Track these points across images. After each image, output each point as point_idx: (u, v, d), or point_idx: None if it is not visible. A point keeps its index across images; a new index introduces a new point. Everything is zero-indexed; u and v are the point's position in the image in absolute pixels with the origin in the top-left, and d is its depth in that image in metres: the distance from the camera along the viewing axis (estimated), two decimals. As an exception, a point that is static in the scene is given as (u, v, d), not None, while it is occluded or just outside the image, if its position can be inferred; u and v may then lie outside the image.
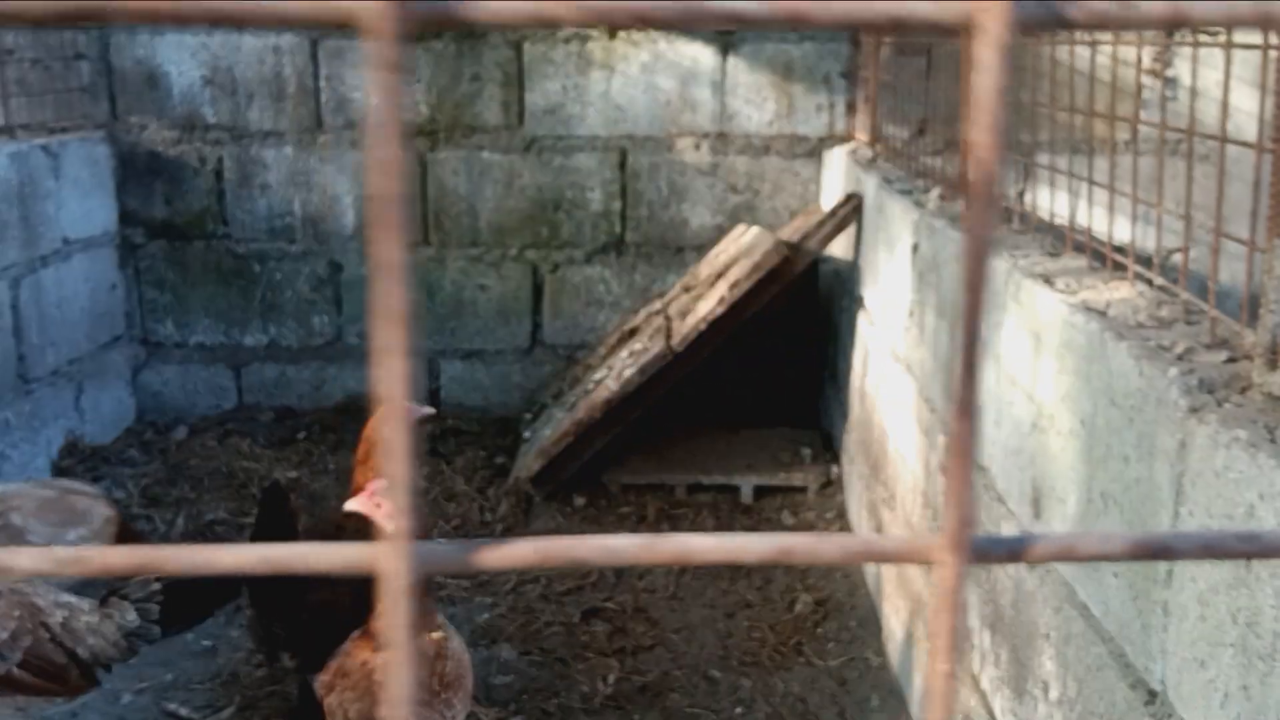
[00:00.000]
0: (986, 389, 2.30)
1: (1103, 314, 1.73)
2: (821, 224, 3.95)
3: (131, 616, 2.44)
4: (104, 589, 2.56)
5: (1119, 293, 1.84)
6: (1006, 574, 2.17)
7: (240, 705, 3.09)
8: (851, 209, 3.95)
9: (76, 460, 4.51)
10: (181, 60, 4.96)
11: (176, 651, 3.30)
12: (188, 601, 2.57)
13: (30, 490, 2.92)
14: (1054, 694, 1.92)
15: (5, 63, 4.52)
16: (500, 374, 5.31)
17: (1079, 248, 2.17)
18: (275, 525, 2.64)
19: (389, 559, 0.49)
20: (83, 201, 4.74)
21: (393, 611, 0.48)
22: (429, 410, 2.93)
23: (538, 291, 5.24)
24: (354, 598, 2.74)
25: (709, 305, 3.92)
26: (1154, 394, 1.42)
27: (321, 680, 2.27)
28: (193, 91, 4.99)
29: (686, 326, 3.96)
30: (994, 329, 2.23)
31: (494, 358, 5.28)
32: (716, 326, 3.93)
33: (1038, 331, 1.94)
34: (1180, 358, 1.46)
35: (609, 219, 5.15)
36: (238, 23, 0.42)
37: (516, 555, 0.50)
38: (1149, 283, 1.90)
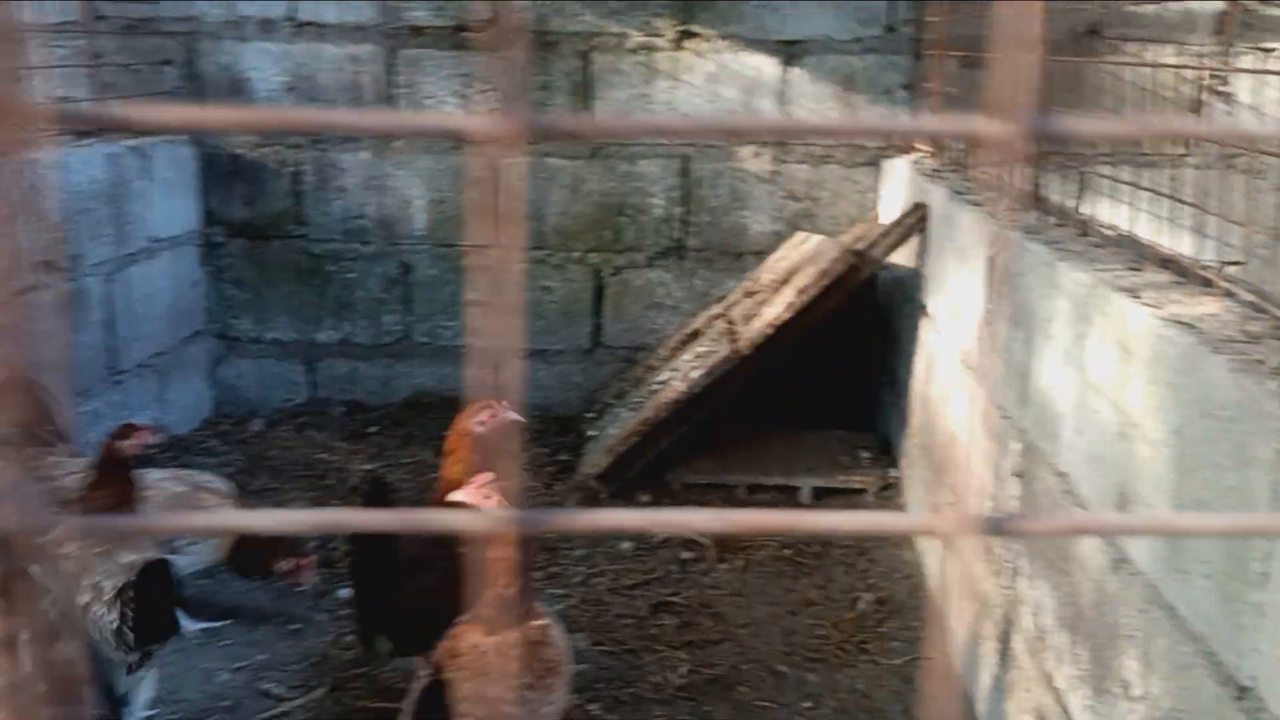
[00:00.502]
0: (1069, 398, 2.40)
1: (1193, 328, 1.82)
2: (887, 233, 4.05)
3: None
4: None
5: (1206, 307, 1.94)
6: (1088, 577, 2.26)
7: (331, 686, 3.24)
8: (917, 219, 4.04)
9: (160, 450, 4.68)
10: (265, 67, 5.14)
11: (268, 633, 3.45)
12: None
13: (165, 483, 3.08)
14: (1136, 691, 2.02)
15: (99, 67, 4.71)
16: (561, 373, 5.44)
17: (1163, 263, 2.27)
18: (369, 533, 2.76)
19: (511, 521, 0.61)
20: (169, 201, 4.93)
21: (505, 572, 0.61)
22: (520, 417, 3.06)
23: (599, 294, 5.37)
24: (450, 586, 2.87)
25: (775, 310, 4.03)
26: (1252, 406, 1.52)
27: (431, 663, 2.40)
28: (274, 97, 5.17)
29: (753, 330, 4.07)
30: (1078, 339, 2.33)
31: (555, 357, 5.42)
32: (782, 331, 4.04)
33: (1126, 344, 2.04)
34: (1275, 371, 1.56)
35: (670, 224, 5.28)
36: (390, 135, 0.54)
37: (626, 519, 0.63)
38: (1231, 296, 2.00)
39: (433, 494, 3.02)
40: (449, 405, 5.41)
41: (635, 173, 5.22)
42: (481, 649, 2.32)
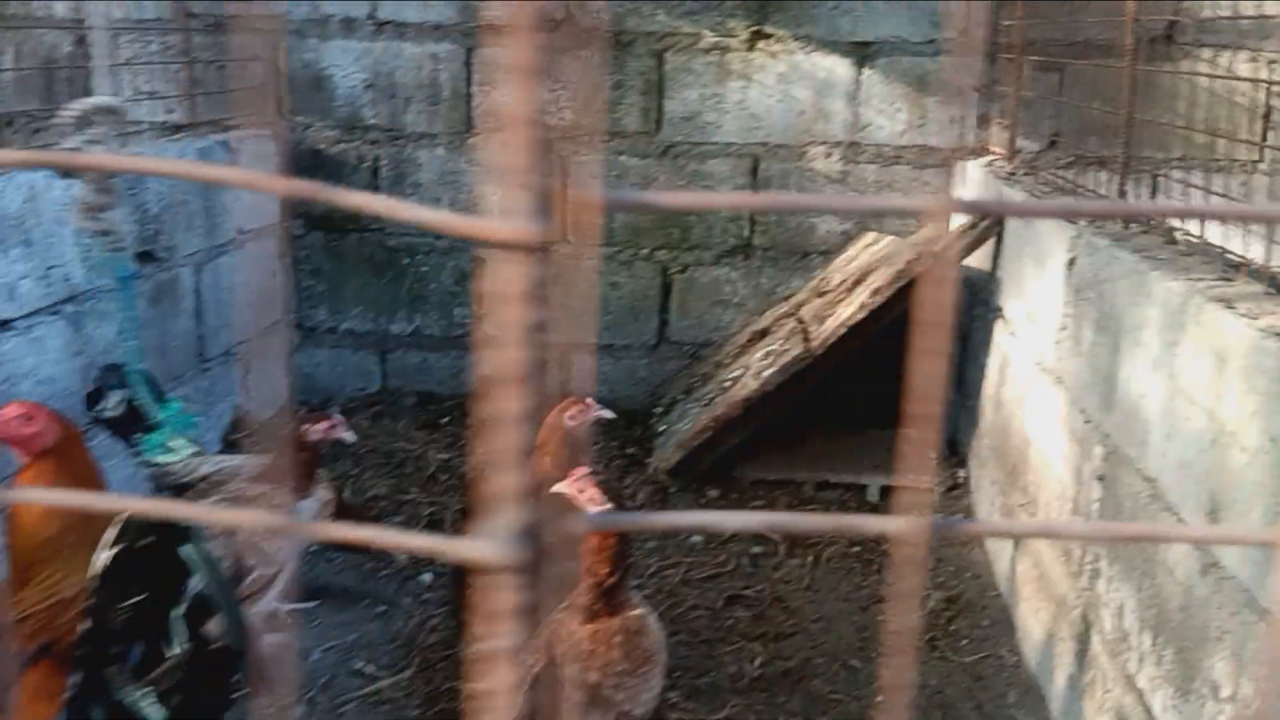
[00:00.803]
0: (1158, 404, 2.45)
1: (1293, 340, 1.87)
2: (962, 235, 4.09)
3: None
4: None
5: (1305, 320, 1.98)
6: (1175, 580, 2.31)
7: (420, 666, 3.35)
8: (992, 222, 4.08)
9: (244, 434, 4.83)
10: (346, 64, 5.26)
11: (356, 614, 3.58)
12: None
13: (258, 468, 3.21)
14: (1225, 693, 2.07)
15: (191, 63, 4.86)
16: (627, 368, 5.53)
17: (1255, 274, 2.30)
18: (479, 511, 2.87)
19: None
20: (253, 194, 5.06)
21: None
22: (608, 413, 3.14)
23: (666, 290, 5.45)
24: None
25: (849, 310, 4.09)
26: (1361, 418, 1.56)
27: (531, 649, 2.49)
28: (355, 94, 5.29)
29: (825, 330, 4.13)
30: (1169, 347, 2.38)
31: (622, 352, 5.50)
32: (855, 331, 4.09)
33: (1221, 353, 2.09)
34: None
35: (738, 223, 5.34)
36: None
37: (750, 521, 0.70)
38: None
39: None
40: (518, 397, 5.55)
41: (704, 172, 5.28)
42: (581, 636, 2.41)
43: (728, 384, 4.40)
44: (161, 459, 3.03)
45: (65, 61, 5.25)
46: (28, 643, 2.13)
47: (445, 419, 5.28)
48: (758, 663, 3.46)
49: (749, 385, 4.20)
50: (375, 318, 5.57)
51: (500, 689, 0.46)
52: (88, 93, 5.21)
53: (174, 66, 5.12)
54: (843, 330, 4.04)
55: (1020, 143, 4.79)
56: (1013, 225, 4.05)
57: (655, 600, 3.78)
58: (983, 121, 5.11)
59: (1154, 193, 3.99)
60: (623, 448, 5.00)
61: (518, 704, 0.48)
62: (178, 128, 5.07)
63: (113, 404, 3.26)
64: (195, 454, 3.10)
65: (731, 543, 4.14)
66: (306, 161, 5.36)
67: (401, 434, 4.96)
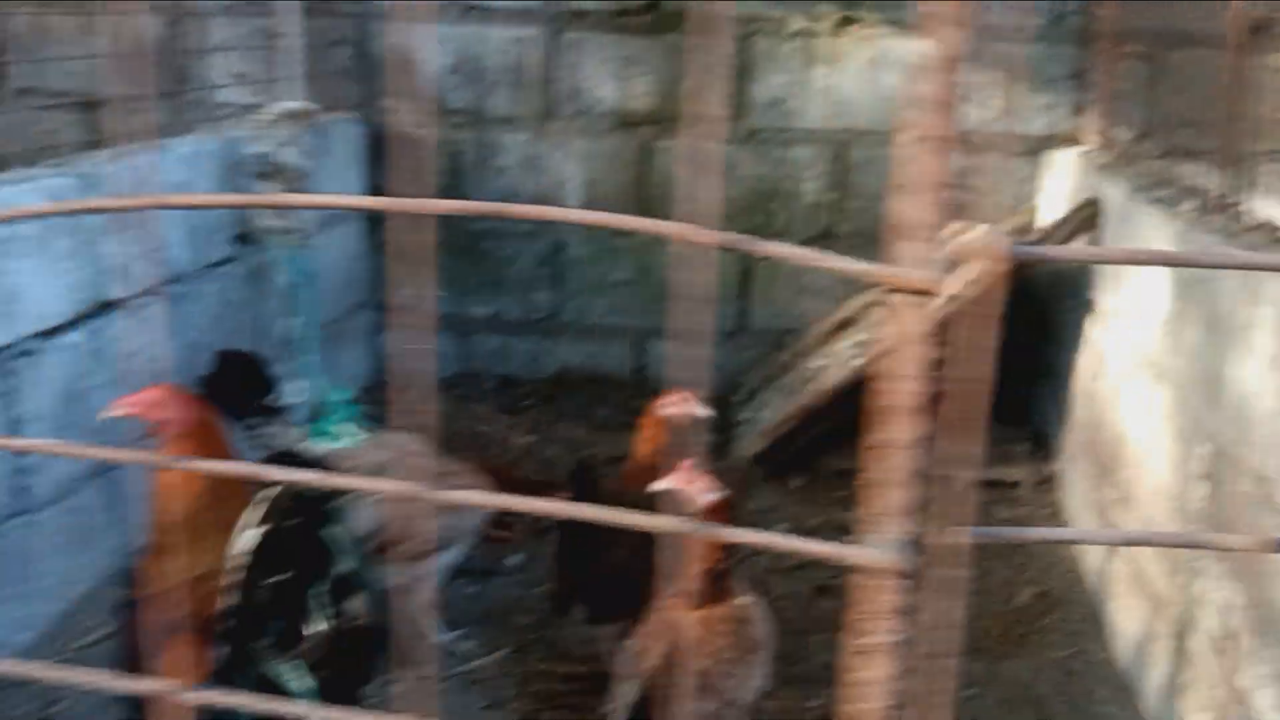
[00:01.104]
0: (1271, 404, 2.41)
1: None
2: (1058, 227, 4.04)
3: None
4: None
5: None
6: (1296, 583, 2.28)
7: (515, 646, 3.40)
8: (1089, 214, 4.02)
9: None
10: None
11: (449, 594, 3.63)
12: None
13: (369, 451, 3.29)
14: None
15: (282, 48, 4.92)
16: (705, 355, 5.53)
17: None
18: (588, 499, 2.91)
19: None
20: (341, 176, 5.14)
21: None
22: (706, 410, 3.16)
23: (746, 277, 5.44)
24: (643, 561, 3.00)
25: (939, 301, 4.05)
26: None
27: (640, 633, 2.52)
28: (440, 78, 5.33)
29: (917, 321, 4.10)
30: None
31: (700, 338, 5.50)
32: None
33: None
34: None
35: (822, 210, 5.32)
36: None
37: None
38: None
39: (626, 470, 3.14)
40: (595, 382, 5.58)
41: (789, 158, 5.27)
42: (689, 623, 2.43)
43: (813, 374, 4.39)
44: (330, 445, 3.12)
45: (160, 45, 5.34)
46: (168, 615, 2.19)
47: (525, 402, 5.33)
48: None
49: (836, 376, 4.19)
50: (455, 300, 5.62)
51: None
52: (182, 76, 5.31)
53: (264, 50, 5.19)
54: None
55: (1113, 133, 4.72)
56: (1111, 218, 3.99)
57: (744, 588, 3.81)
58: (1075, 110, 5.04)
59: (1253, 186, 3.92)
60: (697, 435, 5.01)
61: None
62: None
63: (289, 392, 3.40)
64: (361, 440, 3.19)
65: (816, 533, 4.14)
66: (390, 145, 5.42)
67: (484, 417, 5.01)
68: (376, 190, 5.47)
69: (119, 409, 2.30)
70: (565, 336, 5.60)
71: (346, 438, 3.17)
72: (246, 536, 1.98)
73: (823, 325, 4.97)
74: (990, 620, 3.71)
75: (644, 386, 5.52)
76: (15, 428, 3.13)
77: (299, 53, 3.99)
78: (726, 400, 5.20)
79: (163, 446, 2.30)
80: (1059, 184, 4.77)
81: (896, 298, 0.48)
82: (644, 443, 3.10)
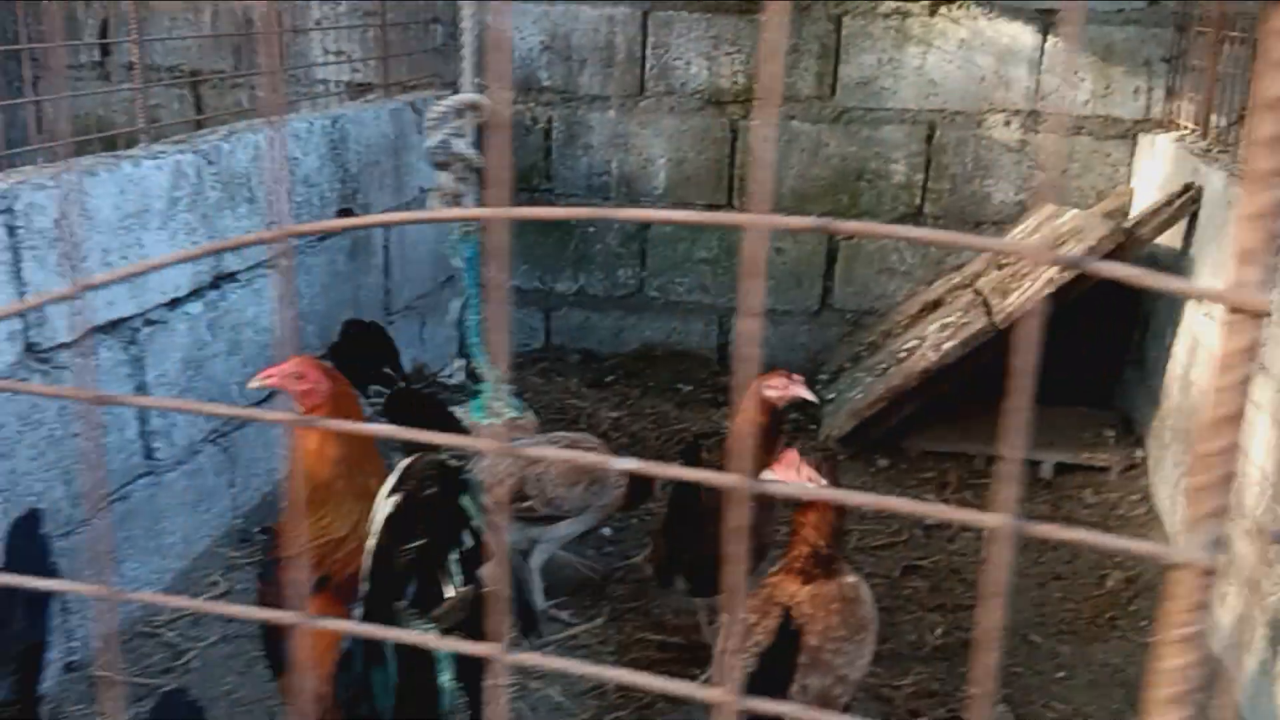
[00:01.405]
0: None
1: None
2: (1156, 212, 4.02)
3: None
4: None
5: None
6: None
7: (610, 615, 3.50)
8: (1189, 199, 3.99)
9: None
10: (524, 26, 5.37)
11: (545, 566, 3.73)
12: None
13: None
14: None
15: (380, 27, 5.03)
16: (787, 334, 5.58)
17: None
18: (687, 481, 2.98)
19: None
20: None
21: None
22: (810, 395, 3.23)
23: (831, 257, 5.46)
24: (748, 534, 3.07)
25: (1037, 285, 4.06)
26: None
27: (749, 607, 2.60)
28: (531, 56, 5.41)
29: (1010, 304, 4.11)
30: None
31: (782, 318, 5.55)
32: (1041, 306, 4.06)
33: None
34: None
35: (909, 190, 5.32)
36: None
37: None
38: None
39: (722, 447, 3.21)
40: (678, 358, 5.65)
41: (877, 138, 5.27)
42: (798, 599, 2.50)
43: (902, 355, 4.42)
44: (487, 421, 3.26)
45: (259, 23, 5.47)
46: (306, 578, 2.31)
47: (610, 377, 5.42)
48: (938, 632, 3.52)
49: (927, 357, 4.21)
50: (541, 276, 5.72)
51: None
52: (280, 53, 5.44)
53: (360, 27, 5.30)
54: (1029, 305, 4.02)
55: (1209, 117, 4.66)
56: (1209, 203, 3.95)
57: (833, 565, 3.87)
58: (1170, 94, 4.98)
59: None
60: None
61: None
62: (363, 88, 5.26)
63: (453, 370, 3.56)
64: (517, 417, 3.32)
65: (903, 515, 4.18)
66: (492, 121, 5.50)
67: (572, 391, 5.10)
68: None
69: (263, 380, 2.41)
70: (648, 313, 5.67)
71: (502, 414, 3.30)
72: (385, 503, 2.08)
73: (909, 306, 4.99)
74: (1080, 604, 3.73)
75: (727, 363, 5.60)
76: (142, 392, 3.28)
77: (471, 45, 4.13)
78: (810, 380, 5.24)
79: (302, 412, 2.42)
80: (1154, 168, 4.72)
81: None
82: (743, 420, 3.16)
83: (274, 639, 2.34)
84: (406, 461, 2.12)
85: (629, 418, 4.90)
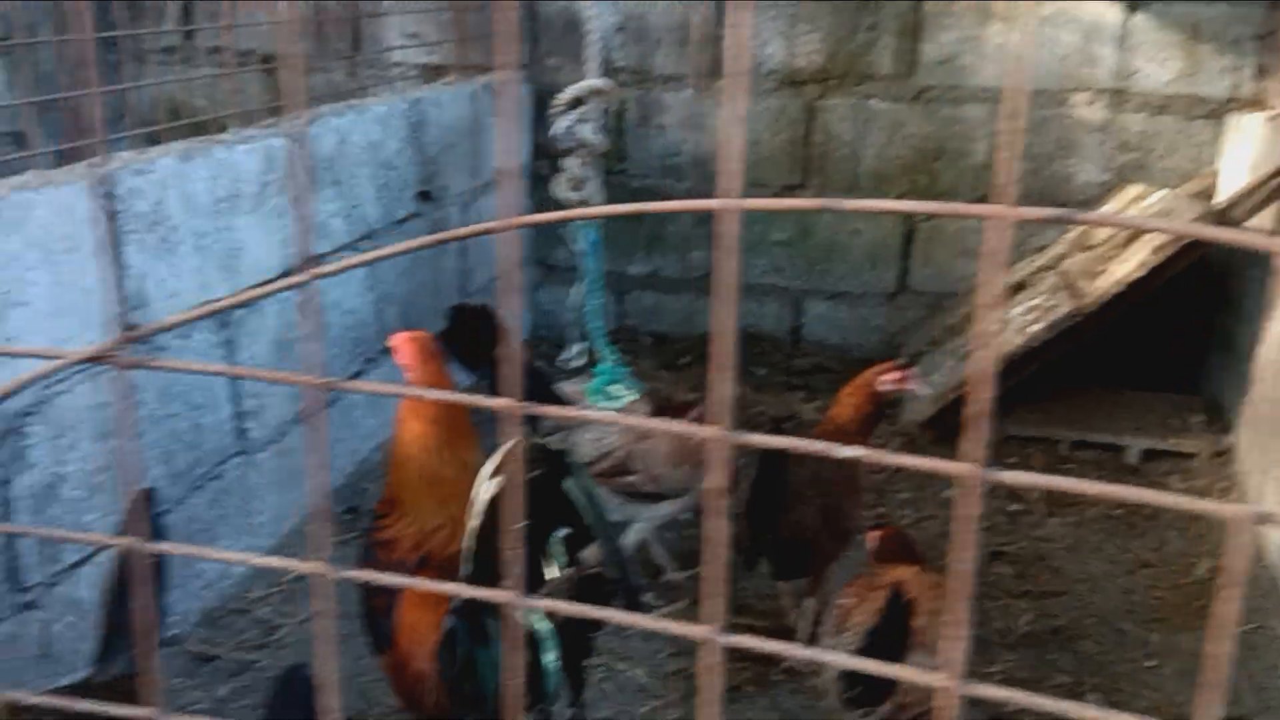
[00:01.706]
0: None
1: None
2: (1249, 193, 3.91)
3: None
4: None
5: None
6: None
7: (693, 599, 3.51)
8: (1283, 182, 3.88)
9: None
10: (599, 7, 5.35)
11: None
12: None
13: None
14: None
15: (447, 7, 5.04)
16: (863, 316, 5.53)
17: None
18: (772, 461, 2.97)
19: None
20: (510, 136, 5.25)
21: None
22: (927, 388, 3.20)
23: (909, 238, 5.40)
24: (825, 523, 3.06)
25: (1127, 268, 3.97)
26: None
27: (846, 591, 2.59)
28: (606, 37, 5.39)
29: (1098, 288, 4.03)
30: None
31: (858, 300, 5.50)
32: (1131, 290, 3.98)
33: None
34: None
35: (990, 171, 5.22)
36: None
37: None
38: None
39: (819, 434, 3.19)
40: (750, 341, 5.62)
41: (958, 117, 5.18)
42: (907, 583, 2.48)
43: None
44: (605, 404, 3.29)
45: (335, 7, 5.52)
46: (408, 555, 2.34)
47: (684, 359, 5.41)
48: (1026, 620, 3.48)
49: (1013, 340, 4.15)
50: (614, 258, 5.71)
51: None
52: (355, 35, 5.48)
53: (436, 10, 5.32)
54: (1118, 289, 3.94)
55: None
56: (1310, 183, 3.84)
57: (915, 550, 3.84)
58: (1261, 72, 4.83)
59: None
60: (861, 396, 5.03)
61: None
62: (437, 70, 5.29)
63: (574, 354, 3.62)
64: (635, 400, 3.36)
65: (987, 497, 4.13)
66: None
67: (647, 373, 5.10)
68: (538, 148, 5.58)
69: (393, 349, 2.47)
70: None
71: (619, 397, 3.34)
72: (488, 485, 2.09)
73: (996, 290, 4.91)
74: (1167, 592, 3.67)
75: (801, 346, 5.56)
76: (234, 374, 3.34)
77: (597, 31, 4.17)
78: (884, 362, 5.20)
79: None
80: (1243, 150, 4.59)
81: None
82: (845, 409, 3.14)
83: (375, 617, 2.37)
84: (509, 444, 2.13)
85: (705, 399, 4.89)
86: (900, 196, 5.32)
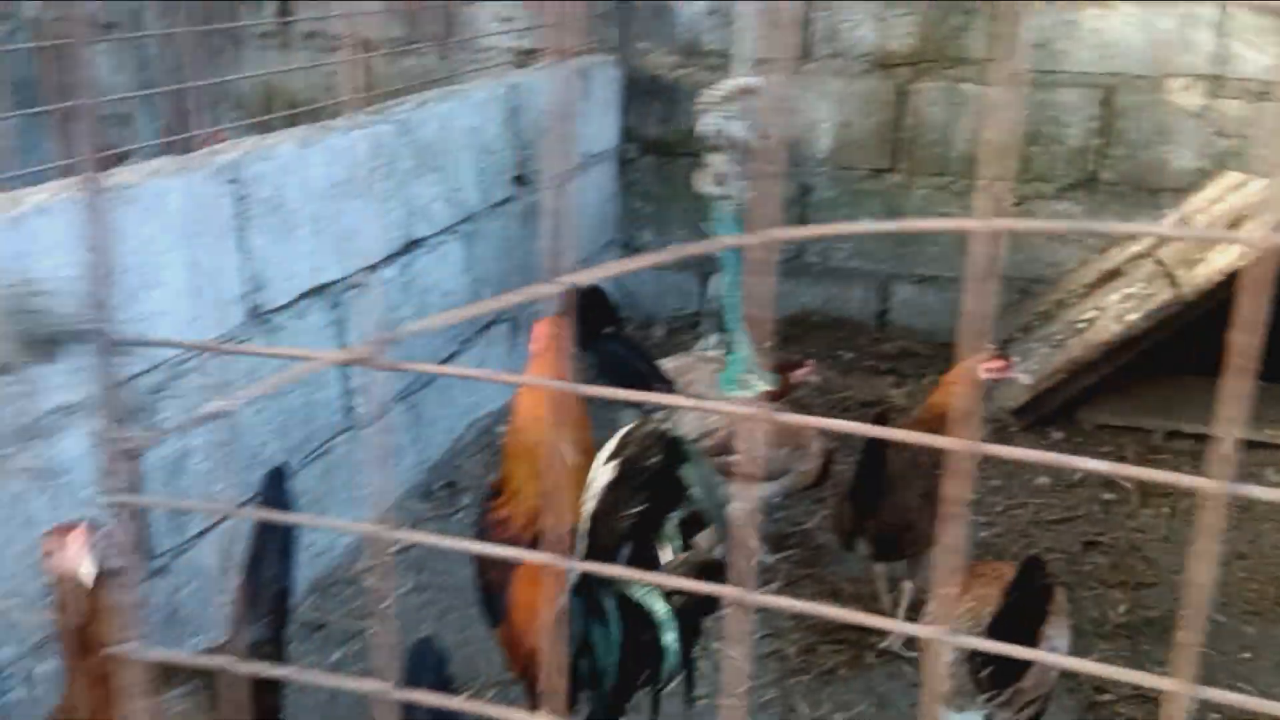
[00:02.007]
0: None
1: None
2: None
3: None
4: None
5: None
6: None
7: (785, 580, 3.56)
8: (1400, 168, 3.78)
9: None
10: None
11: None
12: None
13: (695, 362, 3.55)
14: None
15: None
16: (950, 300, 5.49)
17: None
18: (874, 445, 3.00)
19: None
20: (599, 119, 5.32)
21: None
22: (1027, 377, 3.21)
23: (997, 224, 5.35)
24: (924, 503, 3.09)
25: (1228, 257, 3.92)
26: None
27: (959, 583, 2.62)
28: (696, 20, 5.42)
29: (1198, 276, 3.98)
30: None
31: (946, 284, 5.47)
32: (1231, 279, 3.92)
33: None
34: None
35: (1084, 156, 5.16)
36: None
37: None
38: None
39: (918, 421, 3.22)
40: (835, 325, 5.63)
41: (1052, 102, 5.12)
42: (1000, 573, 2.50)
43: (1080, 325, 4.32)
44: (739, 393, 3.37)
45: (431, -11, 5.61)
46: (521, 533, 2.42)
47: (768, 342, 5.43)
48: (1121, 610, 3.47)
49: (1110, 329, 4.11)
50: (699, 240, 5.75)
51: None
52: (449, 22, 5.57)
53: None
54: (1219, 277, 3.89)
55: None
56: None
57: (1007, 539, 3.84)
58: (1373, 53, 4.70)
59: None
60: (949, 382, 5.02)
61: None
62: (529, 54, 5.36)
63: (712, 344, 3.72)
64: (769, 390, 3.44)
65: (1080, 486, 4.12)
66: (644, 86, 5.55)
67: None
68: (628, 133, 5.63)
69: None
70: (806, 278, 5.66)
71: (752, 387, 3.40)
72: (606, 468, 2.16)
73: (1084, 275, 4.86)
74: (1263, 584, 3.63)
75: (887, 330, 5.56)
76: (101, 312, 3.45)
77: (750, 28, 4.26)
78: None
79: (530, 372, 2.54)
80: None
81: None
82: (944, 396, 3.16)
83: (490, 592, 2.46)
84: (627, 428, 2.20)
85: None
86: (991, 182, 5.28)
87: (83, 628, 1.75)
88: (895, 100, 5.29)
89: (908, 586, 3.24)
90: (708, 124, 4.07)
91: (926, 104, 5.27)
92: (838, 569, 3.60)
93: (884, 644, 3.24)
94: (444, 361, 4.11)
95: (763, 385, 3.32)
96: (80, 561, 1.69)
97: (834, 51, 5.32)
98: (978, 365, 3.06)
